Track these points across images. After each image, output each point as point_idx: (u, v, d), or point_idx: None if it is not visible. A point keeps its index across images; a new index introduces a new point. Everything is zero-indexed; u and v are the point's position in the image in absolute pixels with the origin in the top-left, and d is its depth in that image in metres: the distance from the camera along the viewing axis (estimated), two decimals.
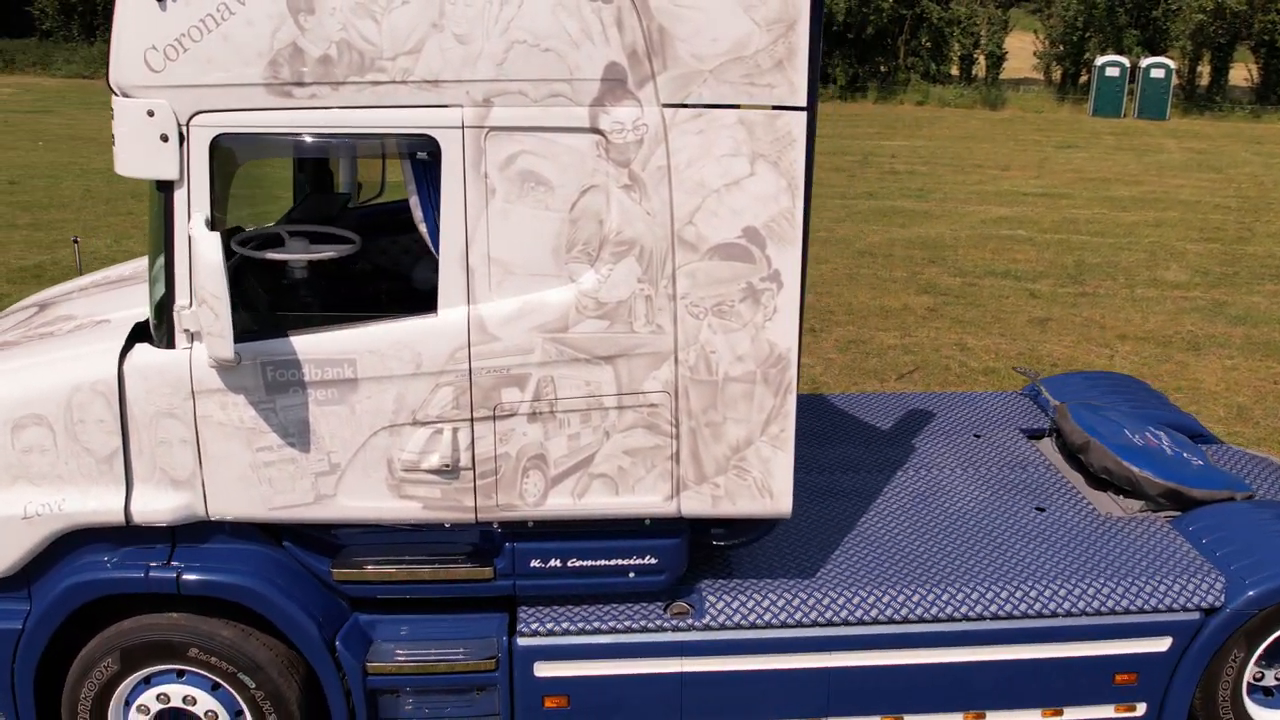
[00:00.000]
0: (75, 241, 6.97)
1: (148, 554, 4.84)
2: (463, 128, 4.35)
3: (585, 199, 4.45)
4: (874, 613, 5.07)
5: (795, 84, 4.32)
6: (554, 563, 4.95)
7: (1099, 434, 6.19)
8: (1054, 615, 5.12)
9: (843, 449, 6.57)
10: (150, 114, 4.30)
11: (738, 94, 4.33)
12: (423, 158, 4.46)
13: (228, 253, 4.33)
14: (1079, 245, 16.12)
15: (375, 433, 4.65)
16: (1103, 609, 5.13)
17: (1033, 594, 5.15)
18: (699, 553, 5.27)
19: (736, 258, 4.51)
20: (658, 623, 5.02)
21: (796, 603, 5.09)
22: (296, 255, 4.87)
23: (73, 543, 4.82)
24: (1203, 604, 5.18)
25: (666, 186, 4.43)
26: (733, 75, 4.32)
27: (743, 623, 5.03)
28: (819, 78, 4.58)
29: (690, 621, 5.03)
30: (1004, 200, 19.49)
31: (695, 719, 5.13)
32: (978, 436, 6.79)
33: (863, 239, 16.49)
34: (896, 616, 5.07)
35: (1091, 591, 5.18)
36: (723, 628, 5.03)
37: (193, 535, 4.86)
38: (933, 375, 10.81)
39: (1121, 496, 6.01)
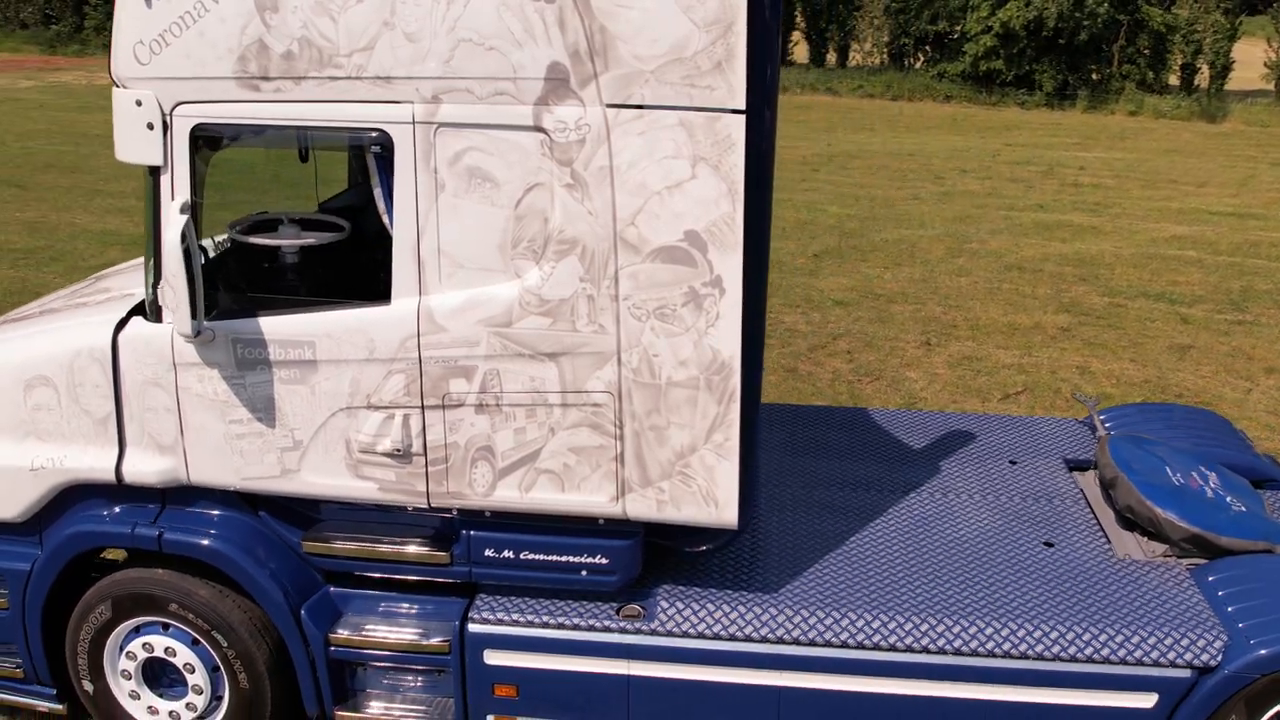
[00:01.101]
0: None
1: (138, 513, 5.21)
2: (413, 123, 4.48)
3: (530, 196, 4.51)
4: (829, 636, 4.91)
5: (734, 86, 4.24)
6: (507, 554, 5.03)
7: (1131, 469, 5.76)
8: (1024, 657, 4.82)
9: (863, 466, 6.36)
10: (138, 104, 4.63)
11: (678, 95, 4.29)
12: (377, 152, 4.62)
13: (195, 238, 4.62)
14: (1252, 270, 14.89)
15: (334, 413, 4.85)
16: (1079, 655, 4.80)
17: (1004, 632, 4.87)
18: (667, 558, 5.24)
19: (678, 261, 4.47)
20: (607, 623, 5.02)
21: (750, 616, 4.99)
22: (286, 241, 5.13)
23: (77, 496, 5.25)
24: (1195, 661, 4.76)
25: (609, 187, 4.43)
26: (673, 76, 4.27)
27: (691, 631, 4.97)
28: (774, 79, 4.47)
29: (639, 625, 5.00)
30: (1184, 219, 18.18)
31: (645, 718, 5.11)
32: (1013, 463, 6.44)
33: (1015, 253, 15.76)
34: (851, 641, 4.89)
35: (1071, 636, 4.85)
36: (670, 634, 4.98)
37: (181, 499, 5.20)
38: (1040, 398, 10.26)
39: (1146, 539, 5.59)
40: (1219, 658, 4.75)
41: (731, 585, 5.18)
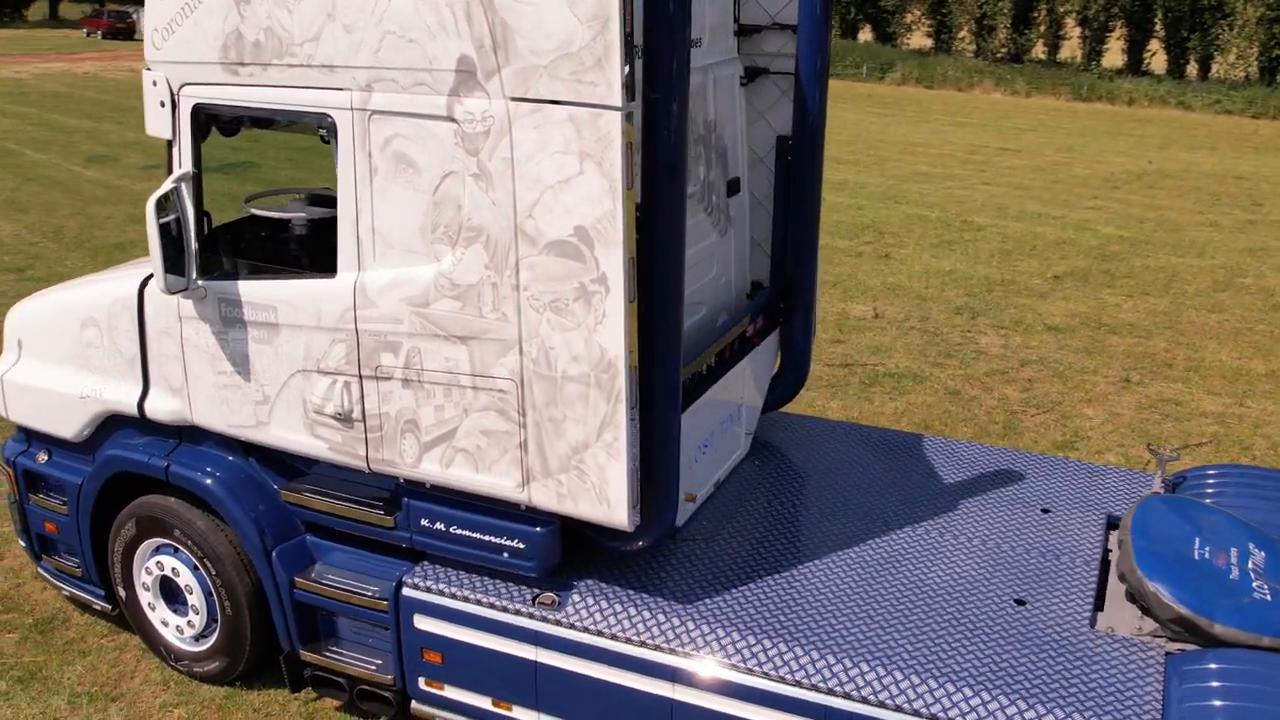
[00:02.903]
0: None
1: (157, 446, 5.89)
2: (351, 109, 4.78)
3: (446, 184, 4.68)
4: (732, 658, 4.73)
5: (611, 83, 4.20)
6: (440, 525, 5.24)
7: (1144, 533, 5.10)
8: (915, 714, 4.44)
9: (871, 496, 6.01)
10: (154, 84, 5.25)
11: (567, 90, 4.30)
12: (322, 135, 4.96)
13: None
14: None
15: (293, 374, 5.26)
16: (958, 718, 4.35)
17: (904, 684, 4.50)
18: (604, 553, 5.24)
19: (569, 256, 4.48)
20: (520, 607, 5.11)
21: (655, 623, 4.91)
22: (294, 215, 5.61)
23: (118, 425, 6.01)
24: None
25: (510, 178, 4.51)
26: (563, 71, 4.29)
27: (593, 628, 4.97)
28: (682, 72, 4.35)
29: (548, 614, 5.06)
30: None
31: (550, 710, 5.16)
32: (1045, 511, 5.84)
33: None
34: (744, 667, 4.69)
35: (976, 702, 4.40)
36: (572, 627, 5.00)
37: (193, 439, 5.82)
38: (1224, 452, 9.07)
39: (1142, 614, 4.93)
40: None
41: (654, 589, 5.11)
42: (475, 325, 4.75)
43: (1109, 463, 8.39)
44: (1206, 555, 5.03)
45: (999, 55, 47.49)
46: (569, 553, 5.21)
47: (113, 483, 6.04)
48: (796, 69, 6.00)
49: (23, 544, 6.76)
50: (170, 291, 5.22)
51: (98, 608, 6.49)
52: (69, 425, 6.12)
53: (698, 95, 5.60)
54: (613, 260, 4.40)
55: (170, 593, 6.08)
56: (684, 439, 5.48)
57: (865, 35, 54.89)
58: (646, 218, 4.49)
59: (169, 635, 6.13)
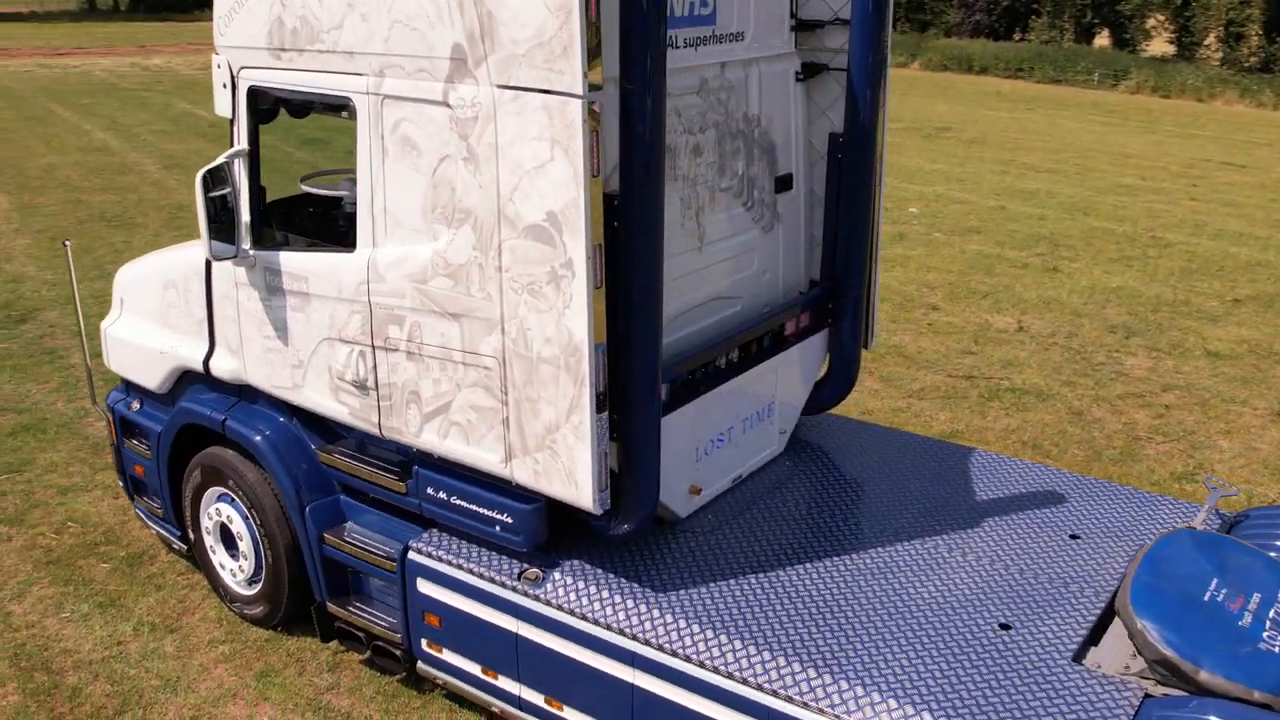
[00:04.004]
0: (65, 244, 7.36)
1: (220, 402, 6.38)
2: (368, 94, 5.06)
3: (442, 166, 4.88)
4: (687, 649, 4.73)
5: (575, 71, 4.28)
6: (443, 495, 5.46)
7: (1152, 567, 4.77)
8: None
9: (894, 506, 5.83)
10: (219, 67, 5.70)
11: (541, 78, 4.41)
12: (345, 117, 5.25)
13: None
14: None
15: (320, 341, 5.61)
16: None
17: (847, 694, 4.39)
18: (598, 538, 5.33)
19: (543, 240, 4.59)
20: (506, 580, 5.27)
21: (625, 609, 4.97)
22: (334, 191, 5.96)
23: (192, 380, 6.55)
24: None
25: (495, 163, 4.67)
26: (538, 60, 4.40)
27: (566, 606, 5.07)
28: (657, 62, 4.37)
29: (531, 588, 5.19)
30: None
31: (529, 683, 5.30)
32: (1074, 537, 5.52)
33: None
34: (708, 664, 4.67)
35: (903, 714, 4.25)
36: (548, 603, 5.11)
37: (251, 397, 6.28)
38: None
39: (1135, 652, 4.61)
40: None
41: (637, 576, 5.16)
42: (464, 303, 4.94)
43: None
44: (1220, 598, 4.65)
45: (1247, 64, 44.01)
46: (571, 533, 5.32)
47: (185, 432, 6.58)
48: (849, 65, 5.89)
49: (121, 484, 7.46)
50: (216, 258, 5.67)
51: (175, 547, 7.09)
52: (153, 377, 6.72)
53: (736, 89, 5.59)
54: (577, 246, 4.48)
55: (228, 538, 6.58)
56: (692, 431, 5.52)
57: (1102, 40, 52.02)
58: (623, 207, 4.55)
59: (225, 577, 6.64)
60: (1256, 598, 4.69)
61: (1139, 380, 10.70)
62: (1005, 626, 4.81)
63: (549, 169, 4.49)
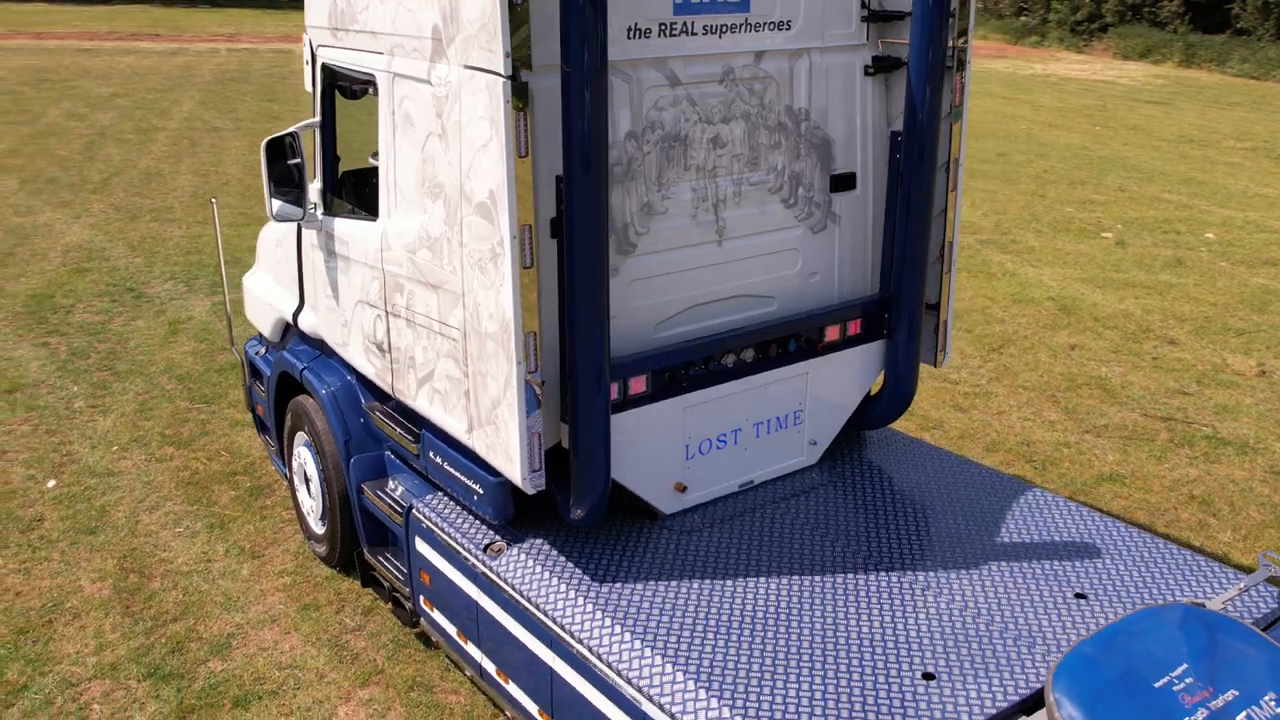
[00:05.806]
0: (212, 202, 8.26)
1: (304, 353, 6.95)
2: (384, 72, 5.35)
3: (429, 143, 5.08)
4: (593, 645, 4.67)
5: (499, 50, 4.32)
6: (438, 459, 5.69)
7: (1113, 641, 4.18)
8: None
9: (898, 535, 5.41)
10: (306, 44, 6.22)
11: (485, 59, 4.49)
12: (372, 94, 5.55)
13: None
14: None
15: (356, 303, 5.99)
16: None
17: (724, 714, 4.18)
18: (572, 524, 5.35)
19: (486, 217, 4.68)
20: (474, 549, 5.41)
21: (558, 594, 4.96)
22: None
23: (293, 333, 7.17)
24: None
25: (459, 140, 4.81)
26: (483, 40, 4.48)
27: (510, 582, 5.13)
28: (596, 49, 4.32)
29: (489, 560, 5.31)
30: None
31: (488, 653, 5.43)
32: (1079, 596, 4.89)
33: None
34: (610, 660, 4.60)
35: None
36: (499, 577, 5.20)
37: (327, 350, 6.80)
38: None
39: None
40: None
41: (588, 564, 5.13)
42: (439, 275, 5.12)
43: None
44: (1178, 688, 3.99)
45: None
46: (553, 516, 5.37)
47: (283, 380, 7.23)
48: (909, 61, 5.52)
49: (253, 421, 8.29)
50: (277, 219, 6.18)
51: (285, 481, 7.79)
52: (268, 327, 7.42)
53: (777, 80, 5.40)
54: (505, 225, 4.53)
55: (308, 478, 7.16)
56: (682, 426, 5.42)
57: None
58: (565, 192, 4.55)
59: (306, 514, 7.23)
60: (1230, 694, 3.98)
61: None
62: (929, 677, 4.37)
63: (490, 148, 4.57)
